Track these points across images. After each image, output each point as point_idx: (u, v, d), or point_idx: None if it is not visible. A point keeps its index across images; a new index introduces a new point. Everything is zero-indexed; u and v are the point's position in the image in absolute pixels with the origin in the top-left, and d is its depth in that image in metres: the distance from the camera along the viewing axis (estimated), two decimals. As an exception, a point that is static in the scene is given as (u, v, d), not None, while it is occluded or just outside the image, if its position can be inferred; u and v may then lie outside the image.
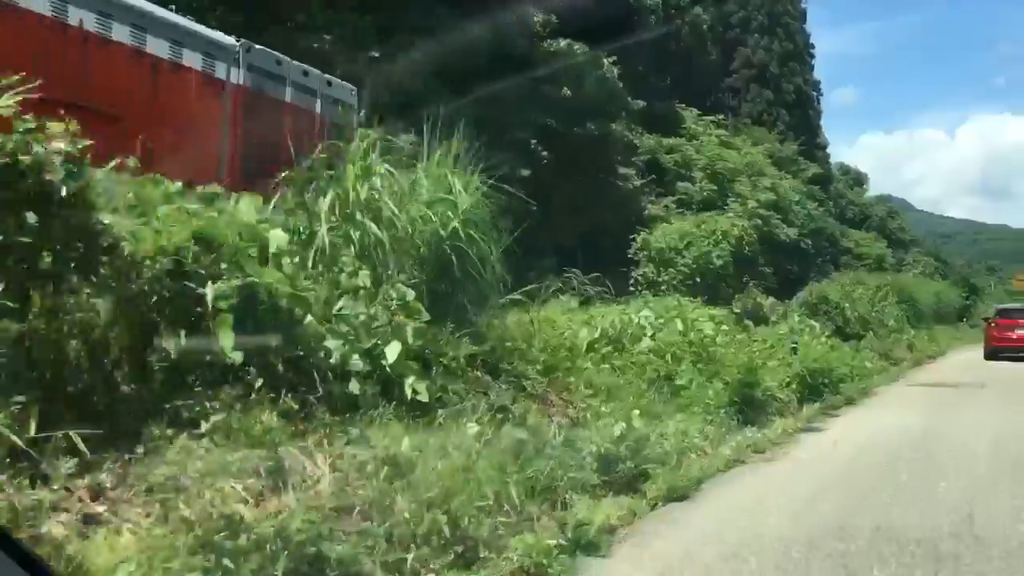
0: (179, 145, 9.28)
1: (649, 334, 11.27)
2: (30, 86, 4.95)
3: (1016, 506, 6.98)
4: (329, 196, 6.81)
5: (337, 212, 7.07)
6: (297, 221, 6.80)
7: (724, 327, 14.27)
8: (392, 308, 6.63)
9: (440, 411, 6.60)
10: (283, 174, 7.05)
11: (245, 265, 5.49)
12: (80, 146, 4.80)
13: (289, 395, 5.50)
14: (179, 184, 5.98)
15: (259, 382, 5.36)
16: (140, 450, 4.52)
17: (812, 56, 53.18)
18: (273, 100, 11.33)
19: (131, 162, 5.80)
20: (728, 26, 47.85)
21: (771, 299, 18.65)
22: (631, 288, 17.44)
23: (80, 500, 4.11)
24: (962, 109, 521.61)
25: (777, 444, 10.14)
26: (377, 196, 7.04)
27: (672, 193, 34.66)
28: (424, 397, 6.38)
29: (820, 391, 13.89)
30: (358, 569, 4.54)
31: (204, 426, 4.85)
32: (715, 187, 35.81)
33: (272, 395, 5.39)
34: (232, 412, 5.03)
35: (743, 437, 9.86)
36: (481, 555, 5.27)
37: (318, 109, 12.06)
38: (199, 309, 5.14)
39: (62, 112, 4.97)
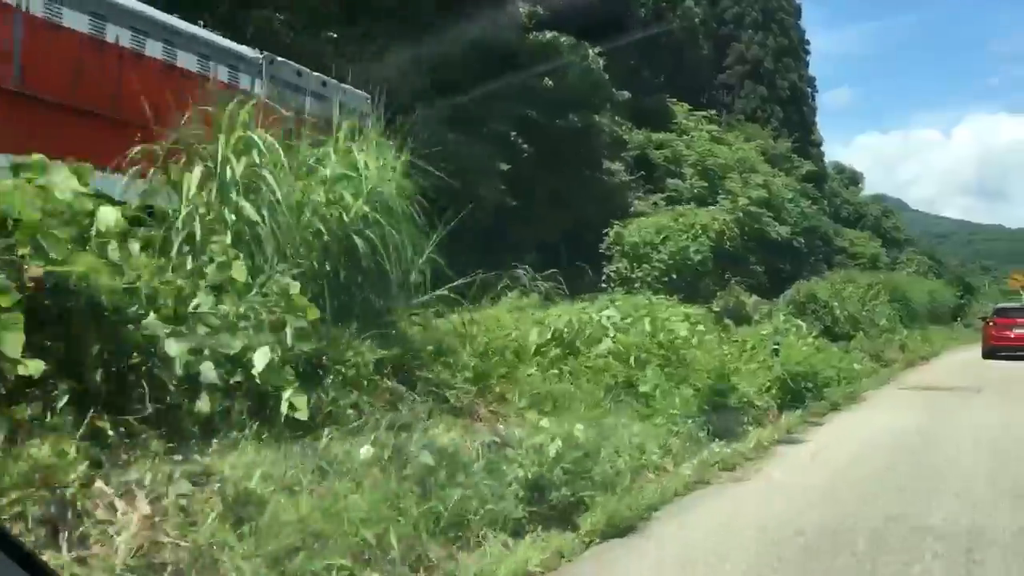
0: None
1: (611, 335, 10.02)
2: None
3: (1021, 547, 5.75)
4: (197, 171, 5.56)
5: (215, 192, 5.82)
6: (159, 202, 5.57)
7: (701, 327, 13.02)
8: (270, 305, 5.39)
9: (328, 430, 5.39)
10: (140, 146, 5.78)
11: (51, 249, 4.27)
12: None
13: (106, 415, 4.28)
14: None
15: (64, 399, 4.15)
16: None
17: (807, 52, 51.92)
18: (292, 109, 11.26)
19: None
20: (722, 22, 46.61)
21: (755, 297, 17.42)
22: (603, 285, 16.17)
23: None
24: (958, 109, 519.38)
25: (749, 459, 8.91)
26: (265, 173, 5.79)
27: (662, 189, 33.43)
28: (303, 414, 5.15)
29: (802, 396, 12.64)
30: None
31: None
32: (705, 184, 34.62)
33: (82, 415, 4.18)
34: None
35: (710, 452, 8.63)
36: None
37: (335, 118, 12.24)
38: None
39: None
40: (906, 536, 5.93)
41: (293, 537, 4.32)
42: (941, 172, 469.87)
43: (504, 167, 23.15)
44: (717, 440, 9.60)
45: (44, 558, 3.36)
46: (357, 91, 13.15)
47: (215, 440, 4.75)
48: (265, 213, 5.57)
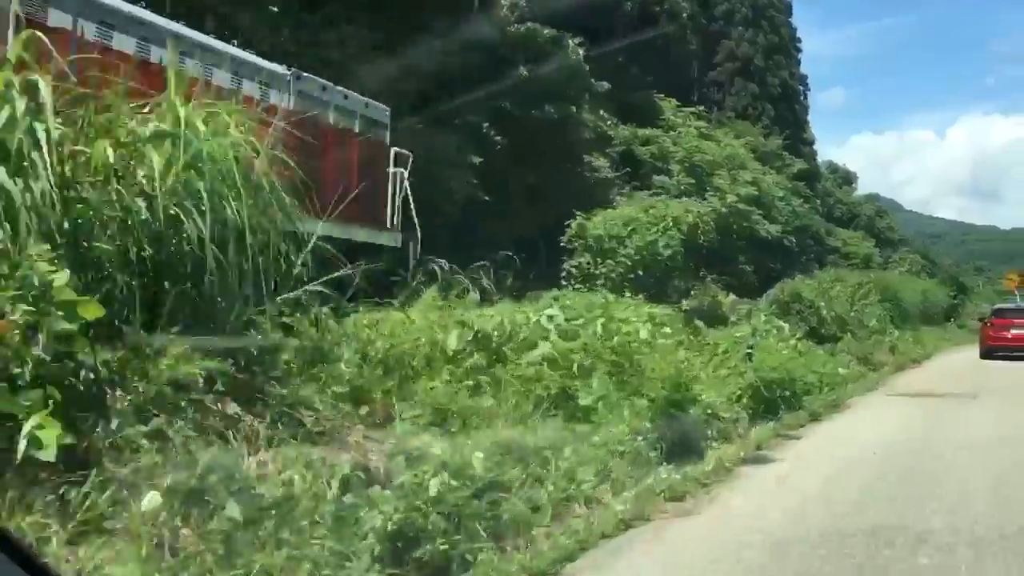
0: None
1: (553, 338, 8.53)
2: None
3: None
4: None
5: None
6: None
7: (666, 329, 11.53)
8: (16, 300, 3.92)
9: (98, 472, 3.93)
10: None
11: None
12: None
13: None
14: None
15: None
16: None
17: (798, 50, 50.38)
18: (317, 121, 11.97)
19: None
20: (711, 18, 45.03)
21: (732, 296, 15.92)
22: (563, 281, 14.65)
23: None
24: (952, 110, 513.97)
25: (705, 485, 7.41)
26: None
27: (648, 186, 31.93)
28: (48, 454, 3.68)
29: (777, 406, 11.14)
30: None
31: None
32: (693, 180, 33.16)
33: None
34: None
35: (656, 477, 7.14)
36: None
37: (356, 128, 13.08)
38: None
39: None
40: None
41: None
42: (935, 173, 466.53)
43: (476, 160, 21.72)
44: (672, 461, 8.17)
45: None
46: (378, 104, 13.97)
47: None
48: (24, 180, 4.07)
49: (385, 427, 5.69)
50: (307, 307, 5.95)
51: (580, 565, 5.14)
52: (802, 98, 50.74)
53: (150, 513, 3.87)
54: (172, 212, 4.76)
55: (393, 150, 13.51)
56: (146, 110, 5.34)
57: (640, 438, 8.05)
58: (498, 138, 22.43)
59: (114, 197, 4.48)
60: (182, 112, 4.89)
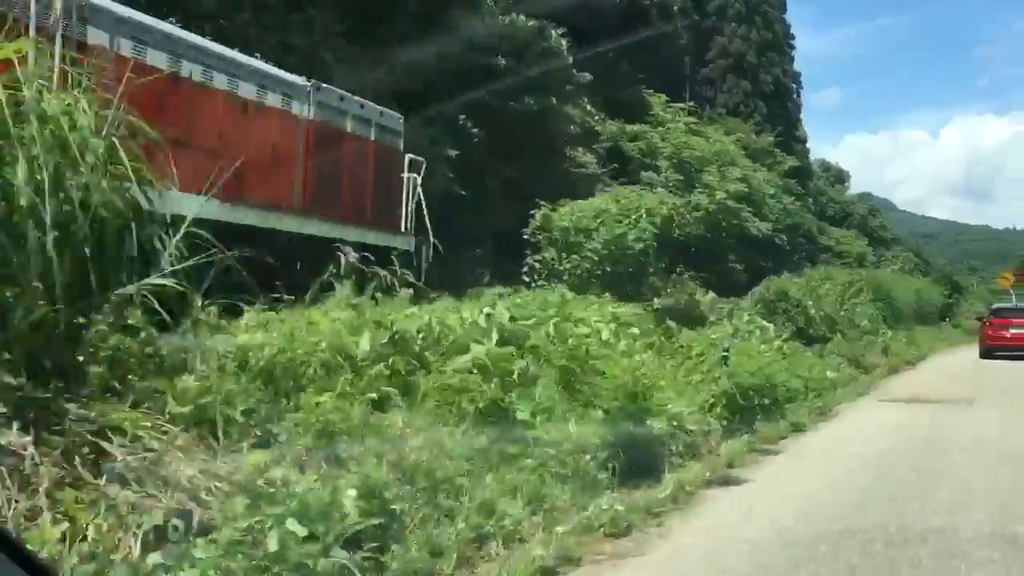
0: (263, 173, 10.73)
1: (489, 341, 7.31)
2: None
3: None
4: None
5: None
6: None
7: (634, 330, 10.33)
8: None
9: None
10: None
11: None
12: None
13: None
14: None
15: None
16: None
17: (792, 47, 49.13)
18: (336, 130, 12.51)
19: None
20: (704, 14, 43.79)
21: (711, 294, 14.70)
22: (524, 278, 13.37)
23: None
24: (946, 110, 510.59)
25: (657, 515, 6.21)
26: None
27: (636, 182, 30.67)
28: None
29: (755, 416, 9.93)
30: None
31: None
32: (681, 177, 32.00)
33: None
34: None
35: (595, 508, 5.93)
36: None
37: (372, 136, 13.41)
38: None
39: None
40: None
41: None
42: (929, 173, 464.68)
43: (452, 153, 20.50)
44: (626, 484, 7.00)
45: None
46: (392, 113, 14.42)
47: None
48: None
49: (244, 454, 4.48)
50: (152, 304, 4.73)
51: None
52: (795, 96, 49.49)
53: None
54: None
55: (408, 157, 13.95)
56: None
57: (588, 457, 6.89)
58: (475, 130, 21.20)
59: None
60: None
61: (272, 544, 3.70)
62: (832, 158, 75.26)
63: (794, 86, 49.39)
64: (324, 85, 12.37)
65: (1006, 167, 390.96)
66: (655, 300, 12.75)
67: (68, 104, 4.56)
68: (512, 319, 8.06)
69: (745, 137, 41.03)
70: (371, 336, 6.35)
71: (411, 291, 8.36)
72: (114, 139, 4.70)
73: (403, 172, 13.74)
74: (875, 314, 24.03)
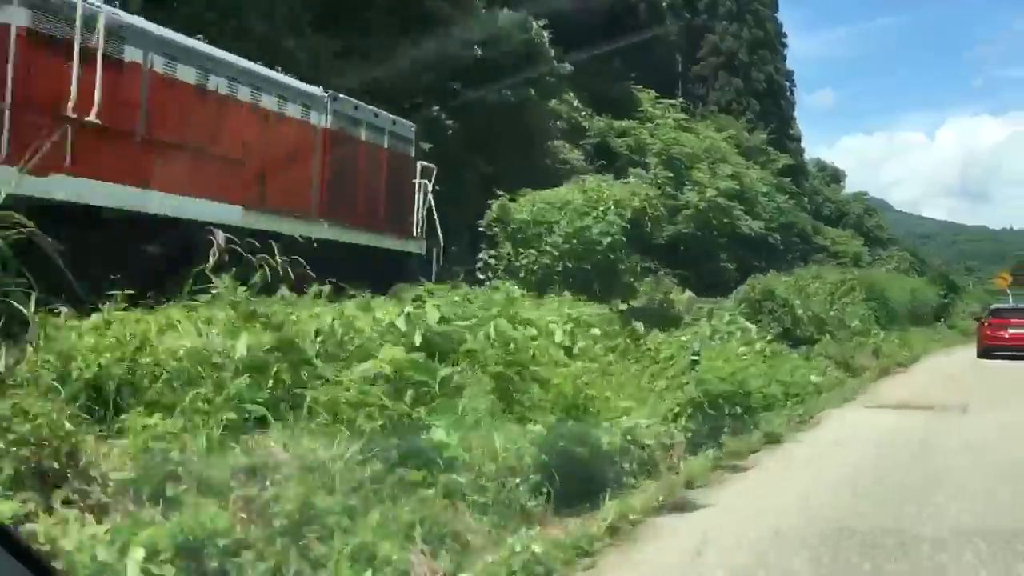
0: (283, 180, 11.31)
1: (410, 346, 6.24)
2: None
3: None
4: None
5: None
6: None
7: (595, 331, 9.27)
8: None
9: None
10: None
11: None
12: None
13: None
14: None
15: None
16: None
17: (784, 45, 48.04)
18: (351, 138, 12.97)
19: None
20: (694, 12, 42.74)
21: (688, 293, 13.62)
22: (479, 274, 12.22)
23: None
24: (941, 111, 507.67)
25: (589, 554, 5.14)
26: None
27: (624, 179, 29.66)
28: None
29: (725, 425, 8.84)
30: None
31: None
32: (671, 174, 30.92)
33: None
34: None
35: (508, 549, 4.86)
36: None
37: (385, 144, 13.84)
38: None
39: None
40: None
41: None
42: (925, 173, 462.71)
43: (426, 146, 19.44)
44: (563, 511, 5.95)
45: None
46: (404, 121, 14.91)
47: None
48: None
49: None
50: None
51: None
52: (788, 94, 48.41)
53: None
54: None
55: (419, 164, 14.38)
56: None
57: (518, 481, 5.83)
58: (450, 122, 20.14)
59: None
60: None
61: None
62: (828, 160, 73.71)
63: (787, 84, 48.33)
64: (340, 95, 12.73)
65: (1002, 168, 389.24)
66: (621, 300, 11.63)
67: None
68: (443, 320, 7.00)
69: (738, 135, 39.97)
70: (249, 340, 5.28)
71: (326, 287, 7.29)
72: None
73: (415, 178, 14.27)
74: (867, 314, 22.93)
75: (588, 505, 6.14)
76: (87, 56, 8.44)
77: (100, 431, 4.11)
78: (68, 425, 3.89)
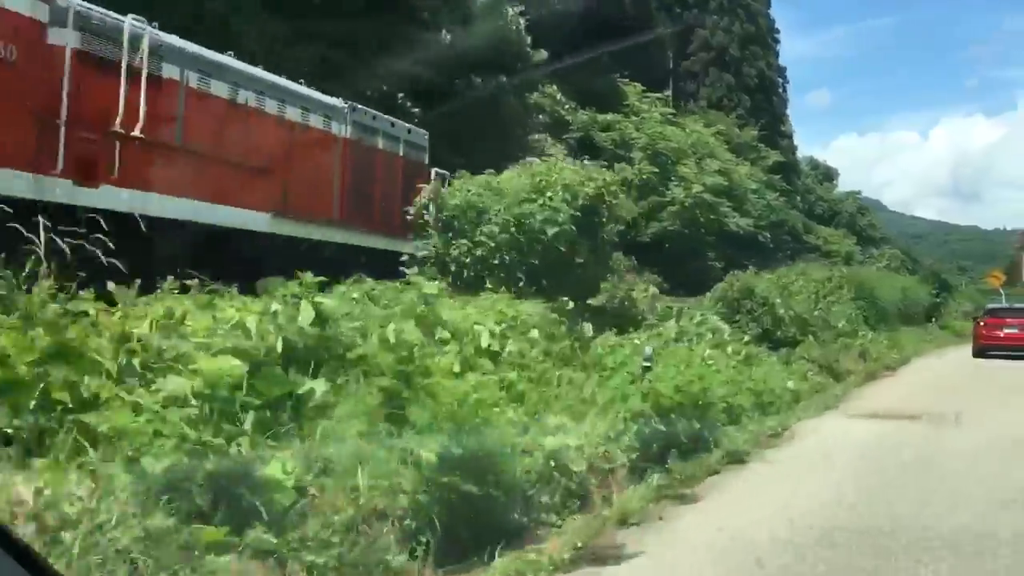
0: (306, 188, 12.06)
1: (260, 353, 4.86)
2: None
3: None
4: None
5: None
6: None
7: (533, 334, 7.88)
8: None
9: None
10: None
11: None
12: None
13: None
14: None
15: None
16: None
17: (776, 40, 46.58)
18: (369, 147, 13.65)
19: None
20: (684, 6, 41.30)
21: (653, 290, 12.22)
22: (402, 268, 10.75)
23: None
24: (935, 111, 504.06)
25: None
26: None
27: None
28: None
29: (678, 444, 7.43)
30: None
31: None
32: (656, 169, 29.57)
33: None
34: None
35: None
36: None
37: (400, 152, 14.59)
38: None
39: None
40: None
41: None
42: (918, 174, 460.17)
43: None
44: (448, 564, 4.60)
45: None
46: (418, 129, 15.59)
47: None
48: None
49: None
50: None
51: None
52: (780, 90, 46.99)
53: None
54: None
55: (433, 170, 14.41)
56: None
57: (386, 529, 4.47)
58: (416, 110, 18.74)
59: None
60: None
61: None
62: (821, 160, 71.96)
63: (779, 80, 46.90)
64: (359, 106, 13.35)
65: (994, 168, 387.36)
66: (573, 298, 10.21)
67: None
68: (322, 321, 5.61)
69: (728, 130, 38.59)
70: (16, 344, 3.89)
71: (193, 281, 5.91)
72: None
73: (429, 184, 14.24)
74: (855, 314, 21.54)
75: (481, 558, 4.79)
76: (132, 74, 8.98)
77: None
78: None
